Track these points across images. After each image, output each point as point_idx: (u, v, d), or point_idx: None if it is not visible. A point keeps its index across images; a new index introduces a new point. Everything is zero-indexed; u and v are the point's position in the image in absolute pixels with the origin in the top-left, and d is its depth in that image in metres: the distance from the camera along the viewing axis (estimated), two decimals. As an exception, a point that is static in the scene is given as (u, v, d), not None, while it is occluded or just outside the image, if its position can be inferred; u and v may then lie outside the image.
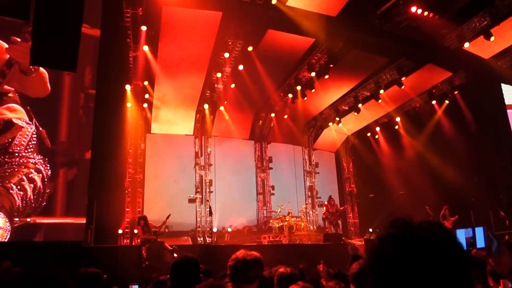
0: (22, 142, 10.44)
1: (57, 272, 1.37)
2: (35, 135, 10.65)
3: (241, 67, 12.87)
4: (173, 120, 15.47)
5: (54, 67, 9.01)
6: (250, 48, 12.08)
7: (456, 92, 14.89)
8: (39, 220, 10.23)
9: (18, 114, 10.63)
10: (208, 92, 14.79)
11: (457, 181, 13.74)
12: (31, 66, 10.60)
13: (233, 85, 13.77)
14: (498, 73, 13.43)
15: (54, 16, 5.80)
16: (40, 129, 10.79)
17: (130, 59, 12.59)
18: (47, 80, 11.00)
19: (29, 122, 10.66)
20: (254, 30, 11.65)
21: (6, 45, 10.43)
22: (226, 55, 12.44)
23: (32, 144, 10.54)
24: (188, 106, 15.55)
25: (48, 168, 10.59)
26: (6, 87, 10.64)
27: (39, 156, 10.53)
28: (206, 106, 15.42)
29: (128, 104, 14.05)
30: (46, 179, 10.47)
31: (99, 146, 11.78)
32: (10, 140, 10.34)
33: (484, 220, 12.44)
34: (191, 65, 12.96)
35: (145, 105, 14.61)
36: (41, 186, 10.37)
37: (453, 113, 15.16)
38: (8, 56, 10.43)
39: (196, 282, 2.63)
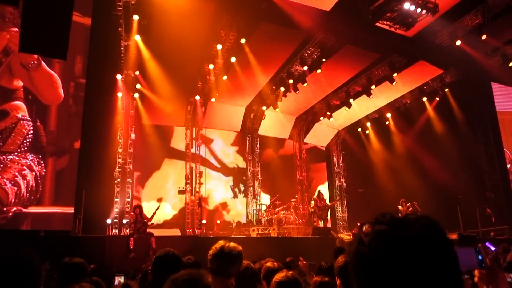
0: (17, 141, 10.37)
1: (27, 256, 1.37)
2: (31, 133, 10.57)
3: (233, 59, 12.81)
4: (164, 111, 15.38)
5: (44, 54, 8.92)
6: (243, 40, 12.02)
7: (446, 90, 15.00)
8: (26, 210, 10.17)
9: (19, 112, 10.58)
10: (200, 83, 14.72)
11: (445, 178, 13.89)
12: (31, 61, 10.55)
13: (225, 77, 13.72)
14: (489, 72, 13.55)
15: (44, 2, 5.71)
16: (38, 124, 10.72)
17: (122, 48, 12.46)
18: (59, 85, 10.94)
19: (28, 118, 10.60)
20: (247, 22, 11.59)
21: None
22: (219, 46, 12.37)
23: (26, 142, 10.47)
24: (180, 97, 15.45)
25: (42, 166, 10.53)
26: (15, 83, 10.57)
27: (33, 155, 10.46)
28: (197, 97, 15.35)
29: (119, 94, 13.93)
30: (39, 178, 10.41)
31: (89, 136, 11.69)
32: (3, 129, 10.23)
33: (471, 216, 12.62)
34: (183, 56, 12.86)
35: (136, 95, 14.50)
36: (34, 184, 10.31)
37: (443, 110, 15.29)
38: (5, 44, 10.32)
39: None
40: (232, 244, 2.62)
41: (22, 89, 10.69)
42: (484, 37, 11.32)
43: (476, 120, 14.52)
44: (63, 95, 11.07)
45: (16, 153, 10.31)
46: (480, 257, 1.50)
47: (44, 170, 10.55)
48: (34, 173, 10.38)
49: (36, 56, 10.53)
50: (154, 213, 11.07)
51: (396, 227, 0.86)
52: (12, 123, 10.37)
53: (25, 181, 10.21)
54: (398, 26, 11.33)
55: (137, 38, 11.65)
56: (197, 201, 14.74)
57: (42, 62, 10.78)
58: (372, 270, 0.84)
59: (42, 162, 10.59)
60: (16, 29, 10.27)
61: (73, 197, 10.78)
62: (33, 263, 1.36)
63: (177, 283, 1.57)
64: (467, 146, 14.33)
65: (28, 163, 10.39)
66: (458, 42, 11.88)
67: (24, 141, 10.46)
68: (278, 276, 2.68)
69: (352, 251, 0.90)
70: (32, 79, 10.71)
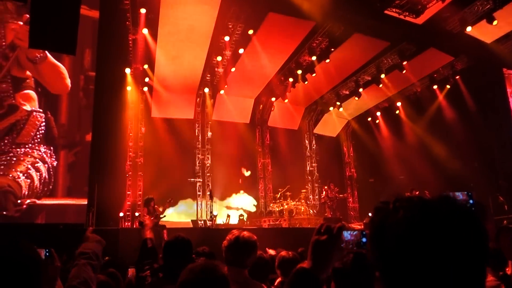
0: (31, 133, 10.51)
1: (26, 250, 1.31)
2: (43, 124, 10.70)
3: (241, 50, 12.78)
4: (173, 104, 15.42)
5: (53, 50, 8.97)
6: (250, 32, 11.98)
7: (457, 77, 14.80)
8: (39, 202, 10.32)
9: (31, 102, 10.70)
10: (209, 76, 14.72)
11: (457, 166, 13.76)
12: (37, 54, 10.65)
13: (233, 69, 13.69)
14: (500, 58, 13.31)
15: (52, -3, 5.71)
16: (49, 115, 10.84)
17: (130, 42, 12.49)
18: (66, 76, 11.04)
19: (39, 109, 10.72)
20: (254, 13, 11.53)
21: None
22: (227, 38, 12.33)
23: (39, 134, 10.61)
24: (189, 90, 15.49)
25: (54, 158, 10.65)
26: (27, 73, 10.71)
27: (45, 146, 10.59)
28: (206, 90, 15.36)
29: (128, 88, 14.01)
30: (51, 170, 10.54)
31: (100, 129, 11.78)
32: (14, 125, 10.37)
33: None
34: (191, 48, 12.87)
35: (145, 88, 14.56)
36: (47, 176, 10.45)
37: (454, 98, 15.10)
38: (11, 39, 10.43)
39: (188, 262, 2.65)
40: (246, 233, 2.60)
41: (32, 79, 10.80)
42: (495, 22, 11.11)
43: (487, 107, 14.31)
44: (70, 85, 11.13)
45: (29, 145, 10.44)
46: (471, 201, 1.73)
47: (56, 162, 10.67)
48: (46, 165, 10.51)
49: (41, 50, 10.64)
50: (167, 206, 11.15)
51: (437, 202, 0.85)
52: (24, 115, 10.50)
53: (38, 174, 10.35)
54: (407, 13, 11.18)
55: (145, 31, 11.66)
56: (208, 193, 14.81)
57: (48, 54, 10.86)
58: (402, 241, 0.82)
59: (54, 154, 10.71)
60: (21, 23, 10.36)
61: (86, 190, 10.91)
62: (34, 257, 1.31)
63: (194, 272, 1.60)
64: (479, 134, 14.14)
65: (41, 155, 10.52)
66: (468, 28, 11.68)
67: (37, 133, 10.60)
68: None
69: (379, 221, 0.89)
70: (39, 71, 10.81)
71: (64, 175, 10.86)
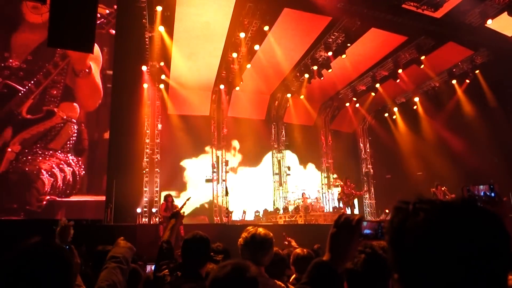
0: (62, 142, 10.82)
1: (58, 250, 1.32)
2: (75, 135, 10.97)
3: (257, 47, 12.76)
4: (189, 100, 15.51)
5: (71, 48, 9.09)
6: (266, 28, 11.94)
7: (477, 71, 14.51)
8: (60, 199, 10.53)
9: (72, 113, 11.05)
10: (224, 72, 14.75)
11: (476, 162, 13.52)
12: (84, 69, 10.98)
13: (249, 66, 13.68)
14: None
15: (70, -3, 5.79)
16: (83, 127, 11.11)
17: (146, 39, 12.58)
18: (100, 97, 11.34)
19: (74, 121, 11.00)
20: (270, 9, 11.49)
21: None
22: (242, 35, 12.32)
23: (70, 144, 10.89)
24: (204, 87, 15.55)
25: (83, 168, 10.89)
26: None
27: (74, 156, 10.85)
28: (222, 86, 15.40)
29: (145, 85, 14.13)
30: (77, 176, 10.77)
31: (117, 127, 11.93)
32: (48, 129, 10.66)
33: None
34: (206, 45, 12.91)
35: (162, 86, 14.67)
36: (71, 179, 10.69)
37: (473, 93, 14.81)
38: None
39: (206, 259, 2.65)
40: (262, 230, 2.56)
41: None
42: (517, 15, 10.85)
43: (508, 102, 14.00)
44: (98, 105, 11.40)
45: (58, 151, 10.75)
46: (493, 194, 1.83)
47: (84, 172, 10.92)
48: (71, 168, 10.75)
49: (89, 65, 10.94)
50: (185, 203, 11.23)
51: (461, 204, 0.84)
52: (59, 123, 10.79)
53: (62, 174, 10.59)
54: (425, 7, 10.99)
55: (161, 29, 11.73)
56: (224, 189, 14.87)
57: (93, 71, 11.13)
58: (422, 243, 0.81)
59: (82, 165, 10.95)
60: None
61: (104, 186, 11.07)
62: (64, 257, 1.32)
63: (226, 269, 1.61)
64: (499, 129, 13.86)
65: (67, 160, 10.79)
66: (489, 22, 11.43)
67: (68, 142, 10.87)
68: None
69: (400, 222, 0.87)
70: (78, 84, 11.13)
71: (83, 172, 11.05)
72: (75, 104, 11.06)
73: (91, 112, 11.44)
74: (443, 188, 12.92)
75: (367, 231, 1.32)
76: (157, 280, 2.97)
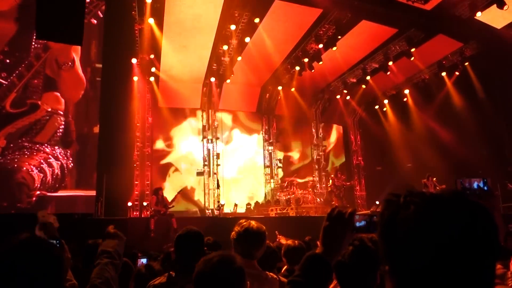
0: (49, 134, 10.67)
1: (49, 246, 1.31)
2: (62, 127, 10.81)
3: (247, 39, 12.70)
4: (180, 93, 15.43)
5: (60, 41, 8.98)
6: (256, 20, 11.88)
7: (466, 64, 14.62)
8: (49, 194, 10.45)
9: (56, 104, 10.86)
10: (215, 65, 14.67)
11: (465, 154, 13.67)
12: (67, 62, 10.78)
13: (239, 58, 13.63)
14: (511, 44, 13.11)
15: (58, -12, 5.70)
16: (70, 119, 10.97)
17: (136, 32, 12.46)
18: (83, 88, 11.19)
19: (61, 112, 10.84)
20: (260, 1, 11.43)
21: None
22: (233, 27, 12.25)
23: (56, 136, 10.75)
24: (195, 80, 15.48)
25: (71, 161, 10.77)
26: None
27: (61, 148, 10.71)
28: (212, 79, 15.32)
29: (135, 78, 14.00)
30: (65, 169, 10.66)
31: (107, 120, 11.83)
32: (33, 122, 10.51)
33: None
34: (197, 37, 12.82)
35: (152, 78, 14.56)
36: (59, 173, 10.57)
37: (463, 85, 14.93)
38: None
39: (200, 255, 2.65)
40: (255, 224, 2.56)
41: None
42: (506, 7, 10.91)
43: (497, 94, 14.14)
44: (81, 96, 11.26)
45: (45, 145, 10.60)
46: (485, 187, 1.84)
47: (72, 164, 10.80)
48: (59, 162, 10.64)
49: (72, 57, 10.74)
50: (176, 197, 11.24)
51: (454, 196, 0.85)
52: (44, 116, 10.63)
53: (50, 169, 10.49)
54: (415, -1, 11.01)
55: (151, 21, 11.62)
56: (215, 182, 14.87)
57: (77, 64, 10.97)
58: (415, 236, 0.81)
59: (70, 157, 10.82)
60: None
61: (94, 180, 11.00)
62: (56, 253, 1.31)
63: (212, 263, 1.60)
64: (488, 121, 14.01)
65: (55, 154, 10.66)
66: (478, 14, 11.50)
67: (55, 135, 10.72)
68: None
69: (390, 214, 0.87)
70: (61, 76, 10.93)
71: (73, 167, 10.96)
72: (57, 93, 10.86)
73: (77, 104, 11.28)
74: (433, 179, 13.07)
75: (359, 224, 1.34)
76: (148, 270, 2.97)
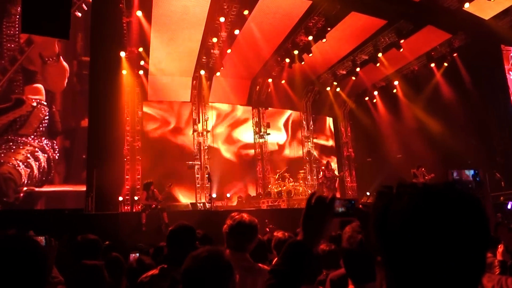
0: (34, 125, 10.50)
1: (31, 243, 1.30)
2: (47, 118, 10.66)
3: (237, 31, 12.63)
4: (169, 87, 15.33)
5: (47, 34, 8.84)
6: (245, 12, 11.82)
7: (455, 55, 14.72)
8: (38, 189, 10.35)
9: (38, 95, 10.67)
10: (204, 58, 14.58)
11: (454, 144, 13.81)
12: (51, 56, 10.61)
13: (229, 51, 13.56)
14: (498, 35, 13.22)
15: (43, -19, 5.60)
16: (54, 110, 10.81)
17: (124, 25, 12.32)
18: (67, 77, 10.98)
19: (45, 103, 10.68)
20: (249, -8, 11.37)
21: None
22: (222, 19, 12.17)
23: (42, 127, 10.59)
24: (184, 73, 15.38)
25: (56, 152, 10.63)
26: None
27: (47, 139, 10.57)
28: (202, 72, 15.24)
29: (124, 72, 13.87)
30: (52, 162, 10.52)
31: (96, 114, 11.73)
32: (18, 117, 10.35)
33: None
34: (186, 30, 12.72)
35: (141, 72, 14.42)
36: (46, 166, 10.44)
37: (451, 75, 15.05)
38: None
39: (192, 249, 2.65)
40: (247, 217, 2.57)
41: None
42: (493, -2, 11.00)
43: (485, 85, 14.27)
44: (65, 85, 11.09)
45: (31, 137, 10.46)
46: (477, 178, 1.73)
47: (58, 155, 10.66)
48: (46, 155, 10.51)
49: (57, 51, 10.58)
50: (166, 191, 11.20)
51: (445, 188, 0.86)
52: (29, 110, 10.48)
53: (37, 163, 10.36)
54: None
55: (139, 13, 11.49)
56: (206, 175, 14.84)
57: (61, 58, 10.80)
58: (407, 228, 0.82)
59: (56, 147, 10.70)
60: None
61: (84, 175, 10.93)
62: (39, 249, 1.30)
63: (198, 259, 1.60)
64: (477, 111, 14.16)
65: (41, 146, 10.53)
66: (466, 5, 11.56)
67: (40, 126, 10.58)
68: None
69: (382, 207, 0.88)
70: (45, 70, 10.76)
71: (61, 161, 10.85)
72: (39, 85, 10.71)
73: (63, 96, 11.11)
74: (423, 169, 13.22)
75: (339, 209, 1.34)
76: (140, 265, 2.96)
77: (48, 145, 10.59)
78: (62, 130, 11.02)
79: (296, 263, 1.26)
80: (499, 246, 2.51)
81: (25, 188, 10.13)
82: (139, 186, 13.82)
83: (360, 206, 1.40)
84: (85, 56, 11.38)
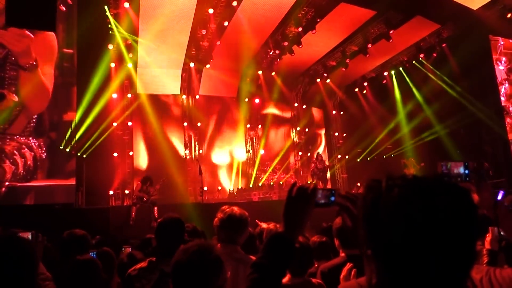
0: (22, 125, 10.30)
1: (20, 243, 1.30)
2: (35, 117, 10.48)
3: (226, 23, 12.54)
4: (159, 79, 15.21)
5: (32, 27, 8.70)
6: (234, 3, 11.73)
7: (444, 45, 14.79)
8: (26, 184, 10.22)
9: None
10: (194, 50, 14.47)
11: (443, 134, 13.95)
12: (30, 61, 10.33)
13: (218, 42, 13.47)
14: (487, 25, 13.29)
15: (27, -28, 5.49)
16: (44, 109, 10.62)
17: (112, 16, 12.15)
18: (48, 98, 10.66)
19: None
20: (238, -17, 11.27)
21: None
22: (211, 11, 12.08)
23: (30, 127, 10.41)
24: (174, 65, 15.25)
25: (44, 151, 10.45)
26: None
27: (35, 139, 10.39)
28: (192, 64, 15.13)
29: (112, 64, 13.71)
30: (38, 161, 10.35)
31: (85, 108, 11.62)
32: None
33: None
34: (174, 22, 12.58)
35: (130, 64, 14.26)
36: (32, 164, 10.28)
37: (440, 66, 15.14)
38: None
39: (181, 242, 2.65)
40: (237, 210, 2.58)
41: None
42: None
43: (474, 75, 14.37)
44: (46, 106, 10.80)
45: (17, 137, 10.30)
46: (467, 171, 1.83)
47: (45, 154, 10.50)
48: (33, 153, 10.35)
49: (34, 57, 10.31)
50: (158, 186, 11.14)
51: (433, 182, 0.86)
52: (9, 106, 10.25)
53: (23, 160, 10.20)
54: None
55: (126, 5, 11.34)
56: (197, 168, 14.80)
57: (39, 70, 10.51)
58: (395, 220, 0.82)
59: (44, 146, 10.53)
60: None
61: (70, 168, 10.81)
62: (28, 249, 1.29)
63: (189, 253, 1.60)
64: (465, 101, 14.28)
65: (29, 144, 10.37)
66: (455, -5, 11.59)
67: (28, 125, 10.41)
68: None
69: (372, 199, 0.88)
70: (20, 79, 10.37)
71: (45, 157, 10.67)
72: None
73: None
74: (412, 159, 13.37)
75: (320, 200, 1.34)
76: (131, 259, 2.94)
77: (36, 144, 10.43)
78: (48, 125, 10.83)
79: (277, 255, 1.24)
80: (487, 235, 2.55)
81: (7, 183, 9.95)
82: (129, 180, 13.76)
83: (342, 195, 1.39)
84: (67, 48, 11.13)
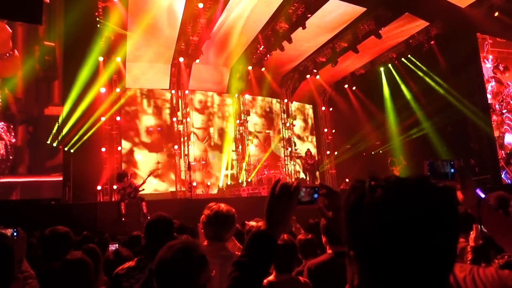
0: None
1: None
2: (1, 101, 10.27)
3: (216, 18, 12.46)
4: (148, 74, 15.09)
5: (18, 20, 8.57)
6: (224, -2, 11.67)
7: (432, 42, 14.90)
8: (12, 179, 10.08)
9: None
10: (183, 45, 14.37)
11: (431, 131, 14.09)
12: (7, 51, 10.15)
13: (208, 38, 13.38)
14: (475, 23, 13.43)
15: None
16: (6, 92, 10.40)
17: (100, 9, 12.01)
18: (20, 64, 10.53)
19: None
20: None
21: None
22: (200, 5, 11.99)
23: None
24: (163, 60, 15.14)
25: (13, 135, 10.27)
26: None
27: (3, 123, 10.19)
28: (181, 59, 15.03)
29: (100, 58, 13.55)
30: (9, 147, 10.17)
31: (72, 102, 11.49)
32: None
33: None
34: (164, 16, 12.49)
35: (118, 59, 14.12)
36: (4, 153, 10.10)
37: (428, 63, 15.27)
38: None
39: (170, 240, 2.64)
40: (224, 207, 2.58)
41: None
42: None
43: (461, 72, 14.53)
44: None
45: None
46: (452, 170, 1.81)
47: (14, 139, 10.31)
48: (3, 142, 10.16)
49: (11, 46, 10.13)
50: (145, 181, 11.07)
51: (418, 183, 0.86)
52: None
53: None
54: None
55: (115, -2, 11.22)
56: (186, 163, 14.77)
57: (16, 52, 10.36)
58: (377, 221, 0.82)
59: (12, 131, 10.35)
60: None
61: (61, 164, 10.70)
62: (5, 244, 1.28)
63: (173, 250, 1.60)
64: (452, 98, 14.43)
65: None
66: (444, -7, 11.67)
67: None
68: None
69: (355, 200, 0.88)
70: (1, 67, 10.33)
71: (24, 150, 10.51)
72: None
73: (24, 84, 10.70)
74: (400, 157, 13.49)
75: (304, 198, 1.34)
76: (117, 257, 2.93)
77: (5, 129, 10.22)
78: (24, 118, 10.62)
79: (259, 253, 1.22)
80: (471, 232, 2.58)
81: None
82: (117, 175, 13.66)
83: (323, 191, 1.40)
84: (48, 41, 10.95)
